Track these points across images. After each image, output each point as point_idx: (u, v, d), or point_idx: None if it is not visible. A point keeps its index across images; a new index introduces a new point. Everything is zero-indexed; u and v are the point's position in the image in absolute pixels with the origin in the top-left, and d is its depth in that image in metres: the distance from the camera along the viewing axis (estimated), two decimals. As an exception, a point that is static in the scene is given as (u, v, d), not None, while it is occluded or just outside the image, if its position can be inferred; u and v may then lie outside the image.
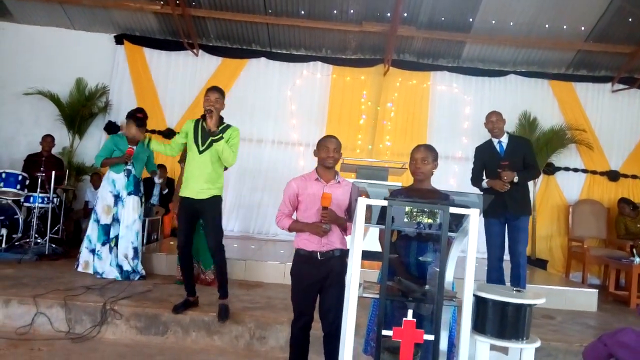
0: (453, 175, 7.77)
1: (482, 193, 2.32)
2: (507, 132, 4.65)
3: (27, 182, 6.07)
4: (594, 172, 7.83)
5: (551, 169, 7.75)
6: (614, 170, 7.83)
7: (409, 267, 2.71)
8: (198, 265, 4.96)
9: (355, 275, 2.21)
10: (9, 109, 7.80)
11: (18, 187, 5.92)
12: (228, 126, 3.91)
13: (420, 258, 2.68)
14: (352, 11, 7.29)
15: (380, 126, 7.86)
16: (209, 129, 3.67)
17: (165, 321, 3.96)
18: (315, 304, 3.04)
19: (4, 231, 5.69)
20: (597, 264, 7.29)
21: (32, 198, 5.96)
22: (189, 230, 3.95)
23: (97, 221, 5.02)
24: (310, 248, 2.99)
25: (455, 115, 7.92)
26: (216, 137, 3.71)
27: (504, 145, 4.56)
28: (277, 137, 7.91)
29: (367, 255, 3.18)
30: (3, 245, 5.71)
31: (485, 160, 4.62)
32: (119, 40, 7.95)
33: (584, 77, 8.00)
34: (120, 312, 3.96)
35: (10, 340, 3.69)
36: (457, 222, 2.36)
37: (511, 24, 7.25)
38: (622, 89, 7.90)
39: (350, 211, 2.58)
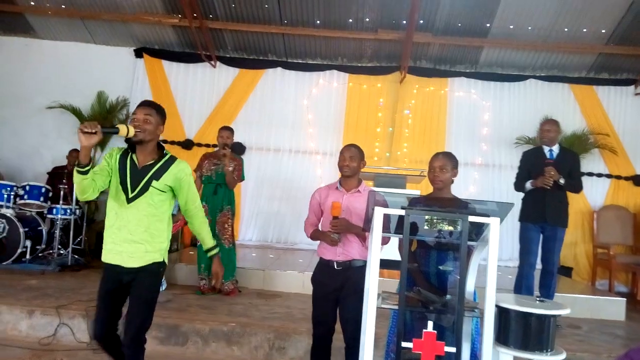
0: (473, 182, 7.68)
1: (508, 203, 2.26)
2: (559, 143, 4.59)
3: (50, 194, 6.19)
4: (618, 177, 7.65)
5: (574, 175, 7.60)
6: (639, 174, 7.64)
7: (429, 276, 2.67)
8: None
9: (373, 285, 2.19)
10: (33, 123, 7.98)
11: (41, 199, 6.04)
12: (171, 160, 2.67)
13: (440, 267, 2.64)
14: (367, 19, 7.30)
15: (397, 133, 7.81)
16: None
17: (185, 331, 3.97)
18: (334, 313, 3.03)
19: (28, 242, 5.79)
20: (624, 272, 7.09)
21: (54, 210, 6.06)
22: (111, 316, 2.66)
23: None
24: (327, 257, 3.01)
25: (474, 121, 7.83)
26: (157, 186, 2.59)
27: (554, 154, 4.50)
28: (295, 146, 7.92)
29: (385, 264, 3.16)
30: (27, 256, 5.82)
31: (532, 165, 4.56)
32: (138, 53, 8.08)
33: (605, 81, 7.83)
34: (140, 323, 3.98)
35: (33, 351, 3.75)
36: (478, 230, 2.32)
37: (529, 28, 7.16)
38: (646, 92, 7.72)
39: (367, 220, 2.56)
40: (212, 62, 7.95)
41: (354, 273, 2.94)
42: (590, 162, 7.62)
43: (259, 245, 7.60)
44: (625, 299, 5.34)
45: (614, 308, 5.21)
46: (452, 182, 2.82)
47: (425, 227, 2.23)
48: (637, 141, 7.69)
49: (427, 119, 7.85)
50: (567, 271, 7.18)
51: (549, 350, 2.29)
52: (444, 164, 2.77)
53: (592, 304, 5.20)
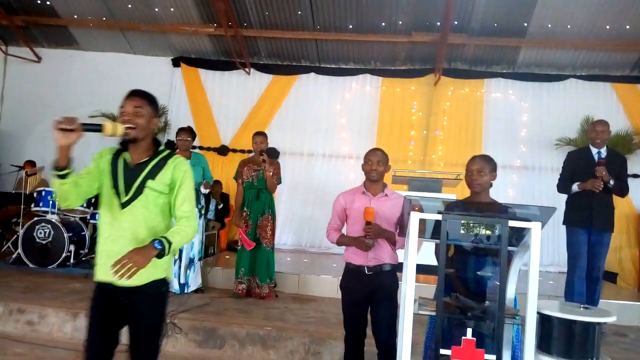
0: (511, 185, 7.51)
1: (550, 207, 2.19)
2: (607, 145, 4.46)
3: (93, 200, 6.40)
4: (665, 179, 7.33)
5: (618, 177, 7.32)
6: (687, 175, 7.30)
7: (467, 282, 2.62)
8: (253, 279, 5.02)
9: (410, 291, 2.16)
10: (77, 132, 8.29)
11: (84, 205, 6.26)
12: (168, 156, 2.26)
13: (478, 273, 2.58)
14: (400, 22, 7.26)
15: (432, 136, 7.73)
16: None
17: (223, 335, 4.02)
18: (365, 319, 3.01)
19: (72, 247, 6.00)
20: (674, 278, 6.77)
21: (97, 215, 6.25)
22: (105, 342, 2.24)
23: None
24: (357, 262, 2.98)
25: (511, 122, 7.67)
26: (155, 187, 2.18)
27: (602, 156, 4.35)
28: (328, 151, 7.95)
29: (422, 269, 3.12)
30: (71, 260, 6.03)
31: (578, 167, 4.42)
32: (176, 62, 8.31)
33: (650, 79, 7.55)
34: (179, 326, 4.06)
35: (77, 352, 3.86)
36: (518, 235, 2.26)
37: (568, 26, 6.96)
38: (694, 89, 7.38)
39: (402, 225, 2.54)
40: (247, 69, 8.08)
41: (385, 278, 2.92)
42: (635, 164, 7.34)
43: (293, 250, 7.65)
44: (675, 306, 5.09)
45: (663, 316, 4.98)
46: (491, 185, 2.75)
47: (463, 232, 2.19)
48: (685, 141, 7.36)
49: (463, 121, 7.74)
50: (612, 277, 6.90)
51: (593, 359, 2.21)
52: (482, 167, 2.70)
53: (639, 311, 4.98)
